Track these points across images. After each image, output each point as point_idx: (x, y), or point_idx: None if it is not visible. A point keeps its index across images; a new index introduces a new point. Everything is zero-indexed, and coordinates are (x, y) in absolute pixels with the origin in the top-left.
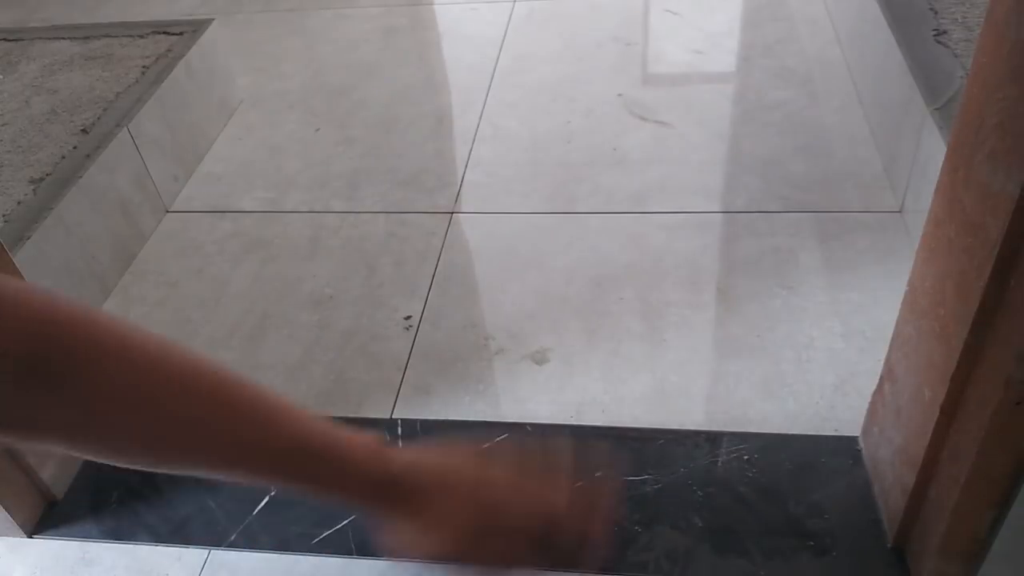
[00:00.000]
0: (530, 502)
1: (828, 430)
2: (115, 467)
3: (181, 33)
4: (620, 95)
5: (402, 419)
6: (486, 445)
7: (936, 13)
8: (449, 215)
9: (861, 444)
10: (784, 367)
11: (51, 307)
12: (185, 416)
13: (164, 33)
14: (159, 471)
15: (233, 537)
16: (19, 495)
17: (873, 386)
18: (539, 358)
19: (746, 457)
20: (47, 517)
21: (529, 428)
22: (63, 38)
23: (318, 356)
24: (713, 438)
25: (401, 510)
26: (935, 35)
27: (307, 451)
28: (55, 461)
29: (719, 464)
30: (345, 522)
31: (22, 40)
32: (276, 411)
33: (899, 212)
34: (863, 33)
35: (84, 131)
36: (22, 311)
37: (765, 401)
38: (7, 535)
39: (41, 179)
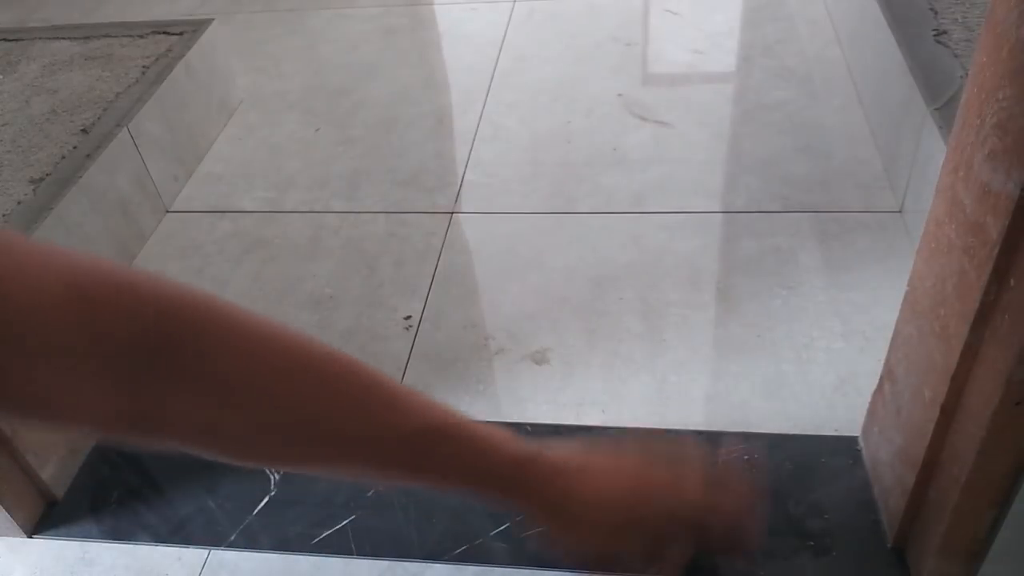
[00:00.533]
0: (678, 492)
1: (828, 430)
2: (115, 467)
3: (181, 33)
4: (620, 95)
5: None
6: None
7: (936, 13)
8: (449, 215)
9: (861, 444)
10: (784, 367)
11: (180, 295)
12: (318, 399)
13: (164, 33)
14: (286, 468)
15: (233, 537)
16: (19, 495)
17: (873, 386)
18: (539, 358)
19: (746, 457)
20: (47, 517)
21: (529, 428)
22: (63, 38)
23: None
24: (713, 438)
25: (541, 499)
26: (935, 35)
27: (443, 433)
28: (55, 461)
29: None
30: (345, 522)
31: (22, 40)
32: (409, 395)
33: (899, 212)
34: (863, 33)
35: (84, 131)
36: (151, 298)
37: (765, 401)
38: (7, 535)
39: (41, 179)
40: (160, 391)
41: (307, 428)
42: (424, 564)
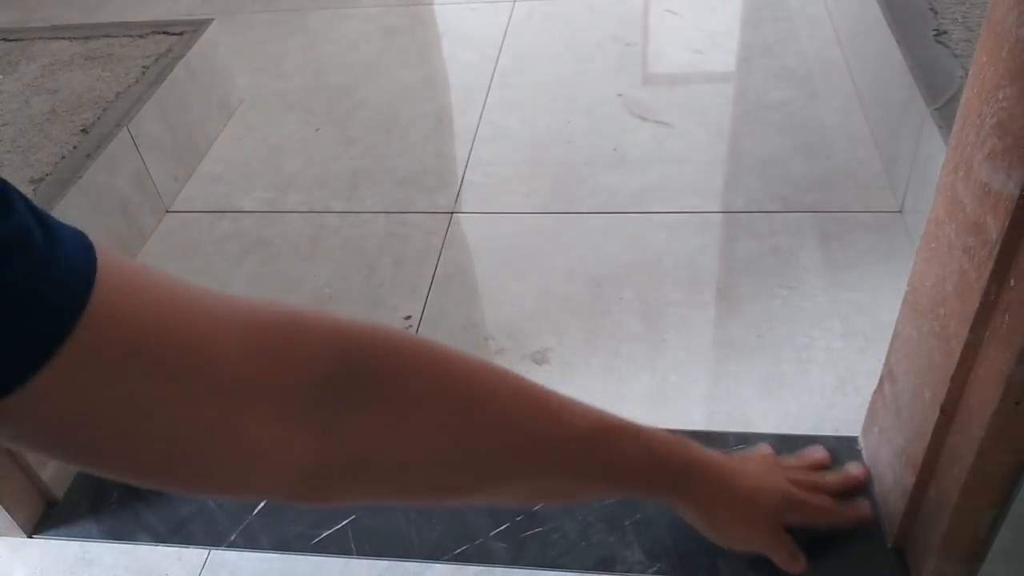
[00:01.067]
0: (794, 493)
1: (828, 430)
2: None
3: (181, 33)
4: (620, 95)
5: None
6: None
7: (936, 13)
8: (449, 215)
9: (861, 444)
10: (784, 367)
11: (346, 327)
12: (508, 412)
13: (164, 33)
14: (475, 495)
15: (233, 537)
16: (19, 495)
17: (873, 386)
18: (539, 358)
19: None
20: (47, 517)
21: None
22: (63, 38)
23: None
24: (713, 438)
25: (700, 499)
26: (935, 35)
27: (616, 430)
28: (55, 461)
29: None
30: (345, 522)
31: (22, 40)
32: (574, 402)
33: (899, 212)
34: (863, 33)
35: (84, 131)
36: (329, 334)
37: (765, 401)
38: (7, 535)
39: (41, 179)
40: (356, 424)
41: (501, 443)
42: (424, 564)
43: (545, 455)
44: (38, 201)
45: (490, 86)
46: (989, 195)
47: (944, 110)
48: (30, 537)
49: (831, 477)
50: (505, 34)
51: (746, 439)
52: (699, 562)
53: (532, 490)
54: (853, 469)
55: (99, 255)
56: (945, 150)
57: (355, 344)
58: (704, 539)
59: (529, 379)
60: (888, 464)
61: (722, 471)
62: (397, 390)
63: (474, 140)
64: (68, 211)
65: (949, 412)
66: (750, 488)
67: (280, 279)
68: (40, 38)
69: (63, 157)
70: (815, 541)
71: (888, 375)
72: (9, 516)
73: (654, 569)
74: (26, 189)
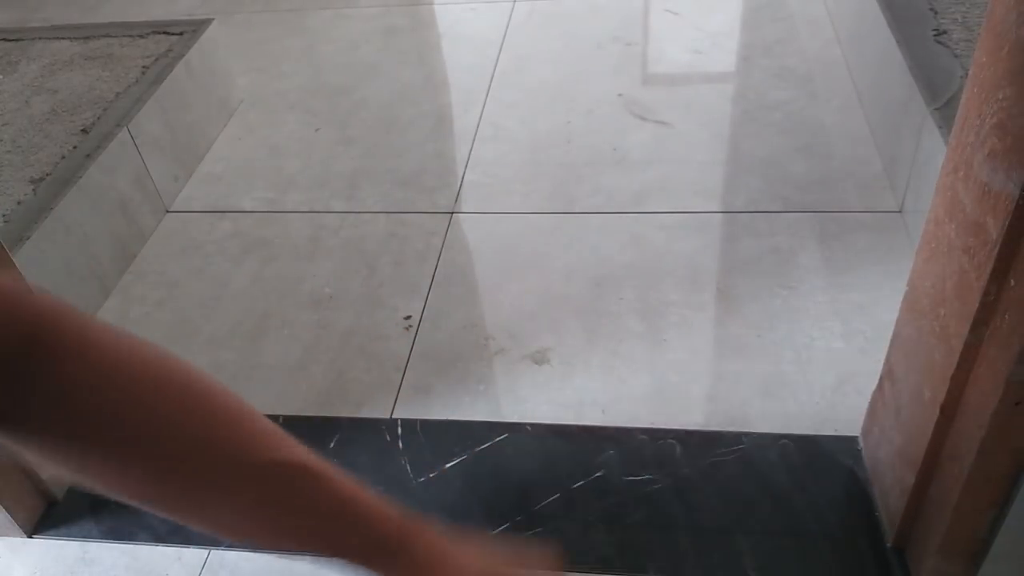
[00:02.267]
0: None
1: (828, 430)
2: None
3: (181, 33)
4: (620, 95)
5: (402, 419)
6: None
7: (936, 13)
8: (449, 215)
9: (861, 444)
10: (784, 367)
11: (29, 300)
12: (161, 413)
13: (164, 33)
14: (138, 495)
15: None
16: (19, 495)
17: (873, 386)
18: (539, 358)
19: (746, 457)
20: (47, 517)
21: (529, 428)
22: (63, 38)
23: (318, 356)
24: (713, 438)
25: (415, 571)
26: (935, 35)
27: (294, 467)
28: None
29: (719, 464)
30: None
31: (22, 40)
32: (277, 431)
33: (899, 212)
34: (863, 33)
35: (84, 131)
36: (10, 302)
37: (765, 401)
38: (7, 535)
39: (41, 179)
40: (20, 391)
41: (148, 440)
42: None
43: (214, 472)
44: (38, 201)
45: (490, 86)
46: (989, 195)
47: (944, 110)
48: (30, 537)
49: None
50: (505, 34)
51: (745, 439)
52: (701, 565)
53: (212, 517)
54: None
55: None
56: (945, 150)
57: (32, 317)
58: (707, 537)
59: (239, 400)
60: (888, 464)
61: (443, 549)
62: (60, 368)
63: (474, 140)
64: (68, 211)
65: (949, 412)
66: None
67: (280, 279)
68: (40, 38)
69: (63, 157)
70: (811, 540)
71: (888, 375)
72: (9, 516)
73: (654, 568)
74: (26, 189)
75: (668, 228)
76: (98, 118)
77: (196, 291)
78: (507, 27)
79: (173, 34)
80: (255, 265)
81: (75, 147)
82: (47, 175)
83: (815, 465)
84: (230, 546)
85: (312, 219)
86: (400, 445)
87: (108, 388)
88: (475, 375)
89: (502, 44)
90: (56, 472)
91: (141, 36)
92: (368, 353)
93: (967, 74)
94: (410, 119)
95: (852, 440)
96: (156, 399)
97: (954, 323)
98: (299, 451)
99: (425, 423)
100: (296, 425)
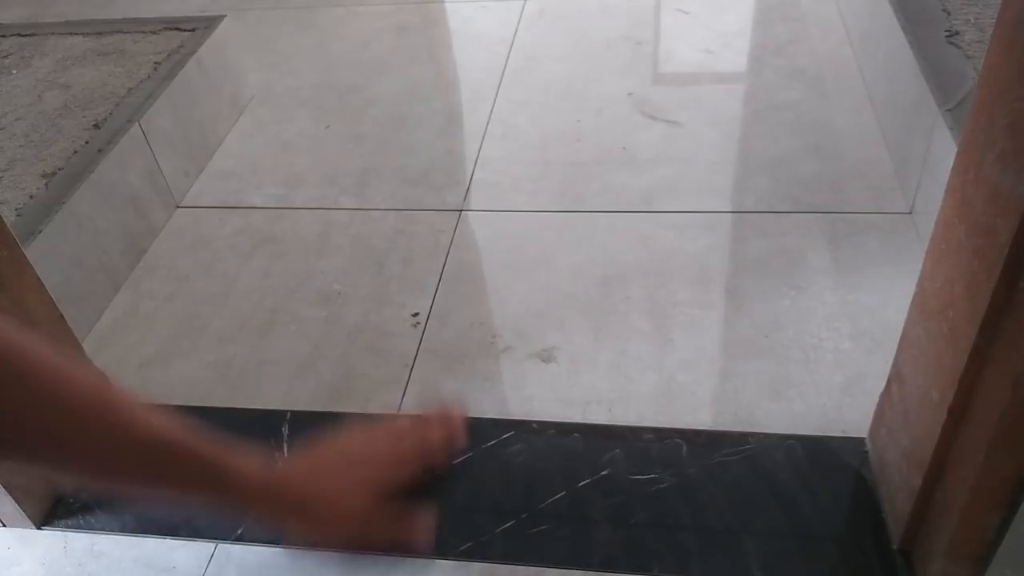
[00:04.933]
0: (396, 455)
1: (835, 431)
2: None
3: (193, 29)
4: (630, 94)
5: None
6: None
7: (948, 14)
8: (458, 213)
9: (868, 446)
10: (792, 368)
11: None
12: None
13: (176, 29)
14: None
15: (240, 531)
16: (28, 486)
17: (881, 387)
18: (546, 356)
19: (752, 457)
20: (56, 509)
21: (535, 425)
22: (76, 34)
23: (326, 352)
24: (719, 438)
25: (285, 510)
26: (947, 36)
27: (178, 443)
28: None
29: (725, 464)
30: None
31: (35, 35)
32: (149, 409)
33: (909, 213)
34: (875, 34)
35: (96, 126)
36: None
37: (772, 401)
38: (16, 526)
39: (53, 174)
40: None
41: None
42: (429, 560)
43: (89, 443)
44: (50, 196)
45: (500, 84)
46: (999, 197)
47: (956, 111)
48: (39, 528)
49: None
50: (515, 32)
51: (752, 439)
52: (706, 565)
53: (92, 475)
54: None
55: None
56: (956, 151)
57: None
58: (713, 537)
59: (112, 386)
60: (895, 465)
61: (304, 479)
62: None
63: (483, 138)
64: (79, 206)
65: (957, 414)
66: (334, 485)
67: (289, 275)
68: (53, 34)
69: (75, 152)
70: (817, 542)
71: (896, 376)
72: (19, 507)
73: (659, 568)
74: (38, 183)
75: (677, 227)
76: (110, 113)
77: (205, 286)
78: (517, 25)
79: (185, 30)
80: (264, 261)
81: (87, 142)
82: (59, 170)
83: (822, 466)
84: (236, 539)
85: (321, 216)
86: None
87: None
88: (482, 373)
89: (512, 42)
90: None
91: (153, 32)
92: (376, 350)
93: (979, 75)
94: (420, 117)
95: (859, 441)
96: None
97: (963, 325)
98: (170, 426)
99: None
100: (304, 421)
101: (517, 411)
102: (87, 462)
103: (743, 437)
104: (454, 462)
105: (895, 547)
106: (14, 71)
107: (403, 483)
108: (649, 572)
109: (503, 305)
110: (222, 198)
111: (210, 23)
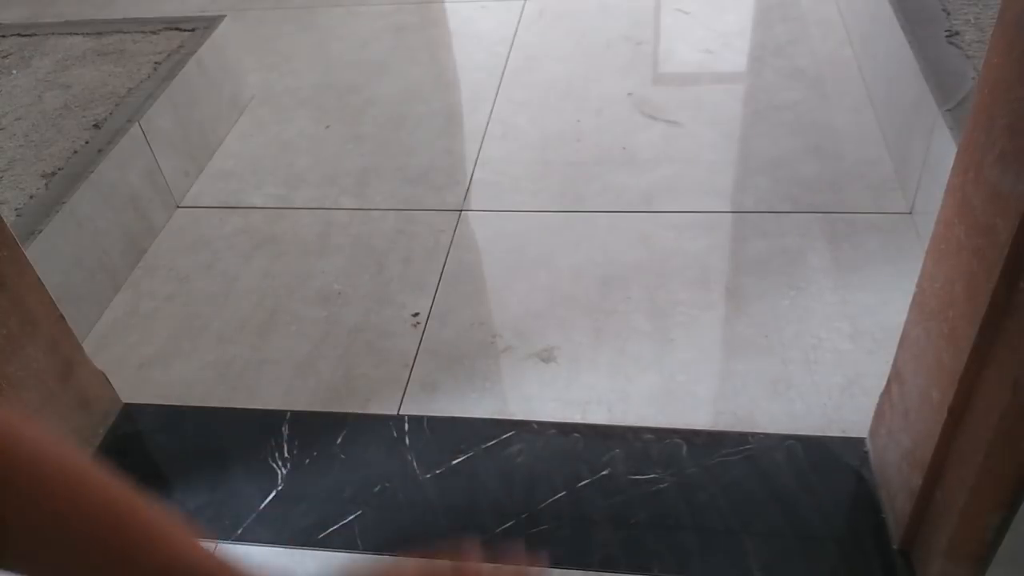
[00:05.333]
0: None
1: (835, 431)
2: (123, 459)
3: (193, 29)
4: (630, 94)
5: (409, 416)
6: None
7: (948, 14)
8: (458, 213)
9: (868, 446)
10: (792, 368)
11: None
12: (91, 548)
13: (176, 29)
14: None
15: (240, 531)
16: None
17: (881, 387)
18: (546, 356)
19: (752, 457)
20: None
21: (535, 426)
22: (76, 34)
23: (326, 352)
24: (719, 438)
25: None
26: (947, 36)
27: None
28: None
29: (725, 464)
30: (351, 517)
31: (35, 36)
32: (165, 529)
33: (909, 213)
34: (875, 34)
35: (96, 126)
36: None
37: (772, 401)
38: None
39: (53, 173)
40: None
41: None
42: None
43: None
44: (50, 195)
45: (500, 84)
46: (999, 197)
47: (956, 111)
48: None
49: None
50: (515, 33)
51: (752, 439)
52: (706, 565)
53: None
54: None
55: None
56: (956, 152)
57: None
58: (713, 537)
59: (131, 499)
60: (895, 466)
61: None
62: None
63: (483, 138)
64: (79, 205)
65: (957, 414)
66: None
67: (289, 275)
68: (53, 34)
69: (75, 152)
70: (817, 542)
71: (896, 376)
72: None
73: (659, 568)
74: (38, 183)
75: (677, 227)
76: (110, 113)
77: (206, 286)
78: (517, 25)
79: (185, 30)
80: (264, 261)
81: (87, 142)
82: (59, 170)
83: (822, 466)
84: (237, 539)
85: (321, 216)
86: (407, 441)
87: (52, 531)
88: (482, 373)
89: (512, 43)
90: None
91: (153, 32)
92: (376, 350)
93: (979, 75)
94: (420, 117)
95: (859, 442)
96: (89, 535)
97: (963, 325)
98: (191, 553)
99: (432, 420)
100: (304, 421)
101: (517, 411)
102: None
103: (743, 437)
104: None
105: (895, 547)
106: (14, 71)
107: None
108: (649, 572)
109: (503, 305)
110: (222, 198)
111: (210, 23)
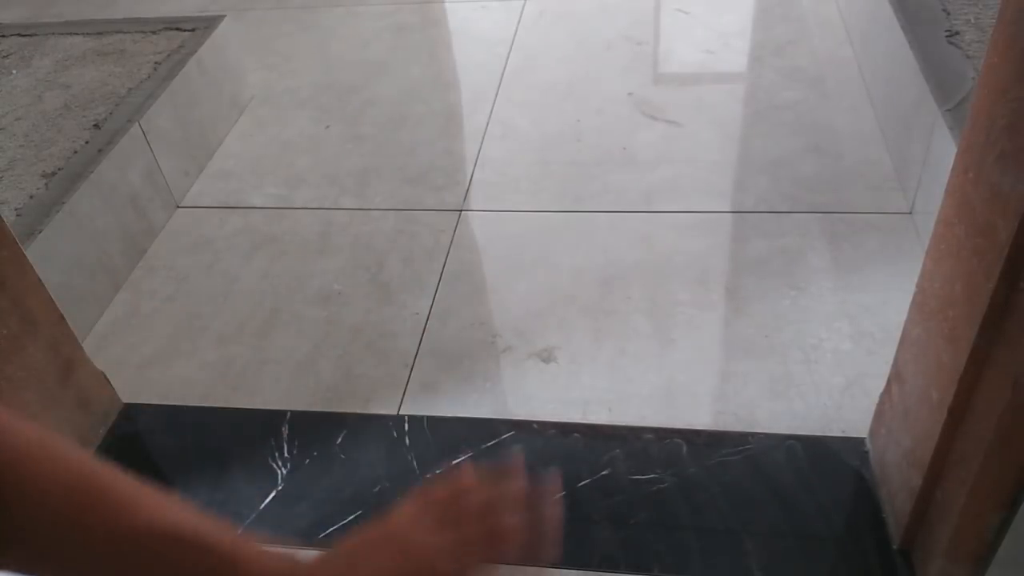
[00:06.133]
0: (441, 556)
1: (835, 431)
2: (122, 460)
3: (193, 29)
4: (630, 94)
5: (409, 415)
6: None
7: (949, 14)
8: (458, 213)
9: (868, 445)
10: (792, 368)
11: None
12: (78, 529)
13: (176, 29)
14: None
15: (240, 531)
16: None
17: (881, 387)
18: (546, 356)
19: (753, 457)
20: None
21: (535, 425)
22: (76, 34)
23: (326, 352)
24: (720, 438)
25: None
26: (947, 36)
27: (178, 537)
28: None
29: (725, 464)
30: (352, 517)
31: (35, 36)
32: (150, 496)
33: (909, 213)
34: (875, 34)
35: (96, 126)
36: None
37: (772, 401)
38: None
39: (53, 173)
40: None
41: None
42: None
43: (93, 540)
44: (50, 195)
45: (500, 85)
46: (999, 197)
47: (955, 111)
48: None
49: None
50: (516, 33)
51: (752, 439)
52: (707, 564)
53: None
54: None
55: None
56: (956, 151)
57: None
58: (713, 536)
59: (109, 468)
60: (895, 465)
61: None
62: None
63: (483, 138)
64: (79, 205)
65: (957, 414)
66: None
67: (289, 275)
68: (53, 34)
69: (75, 152)
70: (817, 541)
71: (896, 376)
72: None
73: (659, 568)
74: (38, 183)
75: (677, 228)
76: (110, 113)
77: (206, 286)
78: (517, 26)
79: (185, 30)
80: (264, 261)
81: (87, 142)
82: (59, 169)
83: (822, 466)
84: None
85: (321, 216)
86: (407, 441)
87: (42, 519)
88: (482, 373)
89: (512, 43)
90: None
91: (153, 32)
92: (376, 349)
93: (979, 75)
94: (420, 117)
95: (859, 441)
96: (75, 517)
97: (963, 325)
98: (176, 516)
99: (432, 420)
100: (304, 421)
101: (517, 411)
102: (81, 559)
103: (743, 437)
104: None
105: (895, 547)
106: (14, 71)
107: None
108: (649, 572)
109: (503, 305)
110: (222, 198)
111: (210, 23)
